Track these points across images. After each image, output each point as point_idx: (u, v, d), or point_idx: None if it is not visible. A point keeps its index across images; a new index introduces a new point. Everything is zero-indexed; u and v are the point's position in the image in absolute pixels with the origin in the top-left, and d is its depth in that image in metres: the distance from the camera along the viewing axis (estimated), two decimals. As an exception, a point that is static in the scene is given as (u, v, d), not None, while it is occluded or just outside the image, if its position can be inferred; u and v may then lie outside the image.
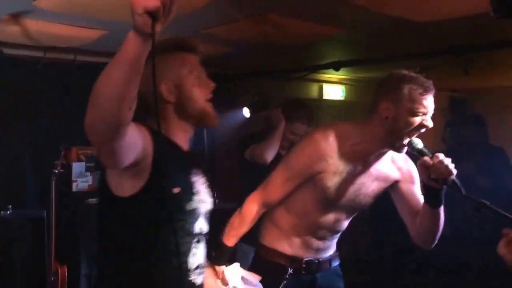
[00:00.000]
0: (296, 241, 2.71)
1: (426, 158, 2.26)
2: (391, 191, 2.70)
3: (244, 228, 2.62)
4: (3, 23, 3.64)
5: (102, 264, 1.91)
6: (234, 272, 2.45)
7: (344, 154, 2.52)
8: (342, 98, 6.85)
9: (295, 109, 3.97)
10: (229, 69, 5.51)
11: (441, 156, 2.22)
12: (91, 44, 4.21)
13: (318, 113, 6.48)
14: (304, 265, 2.69)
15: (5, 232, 3.83)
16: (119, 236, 1.81)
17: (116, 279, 1.84)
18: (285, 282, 2.62)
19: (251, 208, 2.63)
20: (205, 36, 4.09)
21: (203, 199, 1.95)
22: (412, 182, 2.64)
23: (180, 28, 3.91)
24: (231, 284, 2.39)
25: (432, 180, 2.24)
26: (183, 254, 1.86)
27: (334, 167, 2.52)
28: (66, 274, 3.80)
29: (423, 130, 2.38)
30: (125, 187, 1.74)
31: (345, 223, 2.79)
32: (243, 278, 2.44)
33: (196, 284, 1.93)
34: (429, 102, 2.34)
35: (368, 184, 2.62)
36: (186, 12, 3.38)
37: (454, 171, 2.21)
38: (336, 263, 2.88)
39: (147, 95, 1.65)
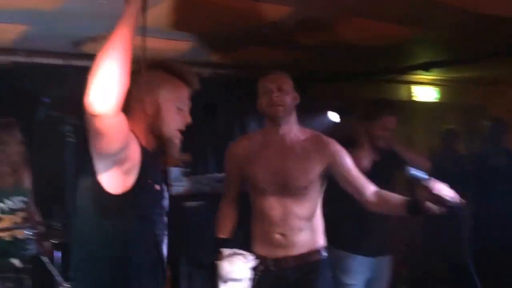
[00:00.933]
0: (263, 240, 2.86)
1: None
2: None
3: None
4: (103, 39, 3.93)
5: (84, 252, 1.96)
6: None
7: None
8: (436, 100, 6.68)
9: (379, 104, 3.90)
10: (314, 73, 5.57)
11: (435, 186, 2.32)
12: (180, 55, 4.45)
13: (407, 115, 6.41)
14: (272, 262, 2.81)
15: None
16: (105, 228, 1.90)
17: (98, 271, 1.93)
18: (257, 277, 2.77)
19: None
20: (290, 43, 4.21)
21: (167, 196, 2.23)
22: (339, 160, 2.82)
23: (263, 36, 4.08)
24: None
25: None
26: (160, 244, 2.08)
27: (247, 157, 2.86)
28: (168, 273, 4.01)
29: None
30: (117, 184, 1.86)
31: (300, 218, 2.83)
32: None
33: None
34: None
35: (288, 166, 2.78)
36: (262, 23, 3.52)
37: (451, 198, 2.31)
38: (314, 258, 2.86)
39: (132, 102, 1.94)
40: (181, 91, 2.11)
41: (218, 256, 2.67)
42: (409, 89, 6.53)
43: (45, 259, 3.31)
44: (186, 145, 4.84)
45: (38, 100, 3.34)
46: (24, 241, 3.51)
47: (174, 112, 2.08)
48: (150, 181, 1.97)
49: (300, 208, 2.80)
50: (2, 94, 4.16)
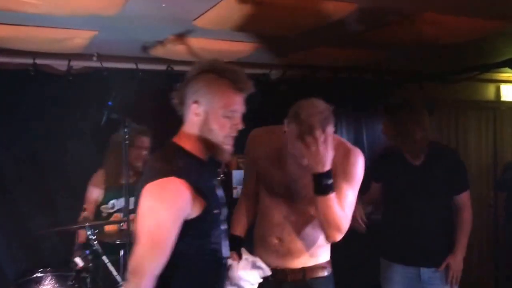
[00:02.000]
0: (261, 244, 2.71)
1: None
2: None
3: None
4: (170, 43, 4.00)
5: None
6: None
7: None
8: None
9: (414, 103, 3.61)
10: (389, 74, 5.36)
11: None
12: (250, 57, 4.41)
13: (495, 116, 6.04)
14: (271, 272, 2.58)
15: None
16: (183, 246, 1.97)
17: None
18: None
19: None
20: (359, 42, 4.05)
21: (224, 203, 2.19)
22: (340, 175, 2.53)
23: (330, 36, 3.96)
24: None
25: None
26: (226, 253, 2.15)
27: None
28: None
29: None
30: (193, 211, 1.96)
31: (302, 226, 2.63)
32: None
33: None
34: None
35: (303, 174, 2.51)
36: (327, 23, 3.40)
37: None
38: (315, 275, 2.66)
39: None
40: (231, 96, 2.06)
41: (231, 255, 2.49)
42: (498, 89, 6.11)
43: (105, 259, 3.37)
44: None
45: (104, 104, 3.42)
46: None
47: (222, 118, 2.04)
48: (211, 208, 2.02)
49: (304, 216, 2.63)
50: (75, 98, 4.31)
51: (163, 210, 1.89)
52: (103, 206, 3.94)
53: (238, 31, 3.67)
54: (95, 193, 4.01)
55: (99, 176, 4.00)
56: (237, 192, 4.18)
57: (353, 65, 4.97)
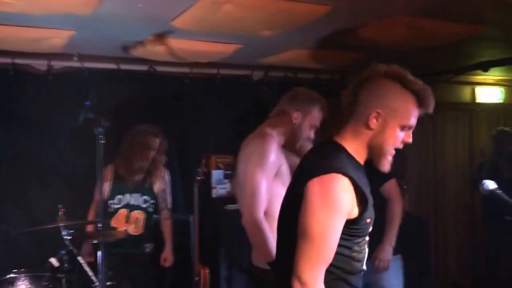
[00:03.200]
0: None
1: None
2: None
3: None
4: (150, 44, 4.02)
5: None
6: None
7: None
8: (501, 101, 6.36)
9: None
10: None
11: None
12: (230, 58, 4.45)
13: (471, 117, 6.15)
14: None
15: (155, 233, 4.17)
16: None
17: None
18: None
19: None
20: (337, 44, 4.10)
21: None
22: None
23: (309, 37, 4.01)
24: None
25: None
26: (363, 266, 2.04)
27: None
28: (208, 276, 4.03)
29: None
30: (353, 212, 1.89)
31: None
32: None
33: None
34: None
35: None
36: (306, 23, 3.45)
37: None
38: None
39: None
40: (411, 109, 1.93)
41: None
42: (473, 91, 6.22)
43: (81, 259, 3.38)
44: (230, 146, 4.88)
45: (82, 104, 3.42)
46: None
47: (398, 132, 1.95)
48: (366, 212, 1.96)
49: None
50: (55, 98, 4.32)
51: (331, 208, 1.81)
52: (110, 201, 3.99)
53: (217, 32, 3.70)
54: (104, 187, 4.03)
55: (108, 170, 4.01)
56: (216, 191, 4.22)
57: (334, 67, 5.03)
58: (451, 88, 5.96)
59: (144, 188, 4.03)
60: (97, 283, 3.33)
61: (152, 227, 4.07)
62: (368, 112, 1.92)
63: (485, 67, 4.61)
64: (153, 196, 4.06)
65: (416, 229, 4.75)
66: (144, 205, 4.03)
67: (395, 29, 3.68)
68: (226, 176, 4.25)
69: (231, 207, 4.19)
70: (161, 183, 4.07)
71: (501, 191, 2.25)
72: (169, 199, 4.12)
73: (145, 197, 4.03)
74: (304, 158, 2.07)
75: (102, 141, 3.17)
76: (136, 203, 4.01)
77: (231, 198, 4.22)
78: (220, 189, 4.24)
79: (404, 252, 3.67)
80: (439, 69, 5.13)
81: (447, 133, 6.11)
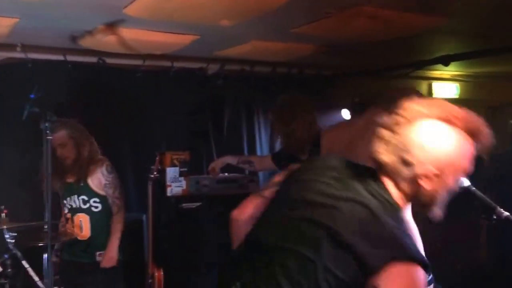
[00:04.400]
0: None
1: None
2: None
3: None
4: (100, 33, 3.79)
5: None
6: None
7: None
8: (456, 96, 6.40)
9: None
10: (327, 69, 5.34)
11: None
12: (185, 50, 4.27)
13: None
14: None
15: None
16: None
17: None
18: None
19: None
20: (298, 36, 3.99)
21: None
22: None
23: (268, 28, 3.89)
24: None
25: None
26: None
27: None
28: (162, 277, 3.85)
29: None
30: None
31: None
32: None
33: None
34: None
35: None
36: (270, 11, 3.30)
37: None
38: None
39: None
40: (469, 157, 1.65)
41: None
42: (430, 86, 6.24)
43: (25, 263, 3.16)
44: (185, 143, 4.70)
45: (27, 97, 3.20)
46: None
47: (454, 184, 1.67)
48: None
49: None
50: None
51: None
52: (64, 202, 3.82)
53: (173, 22, 3.51)
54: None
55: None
56: (171, 190, 4.03)
57: (292, 60, 4.91)
58: (408, 83, 5.92)
59: (80, 187, 3.78)
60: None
61: (105, 230, 3.82)
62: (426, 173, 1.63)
63: (446, 61, 4.57)
64: (93, 194, 3.79)
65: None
66: (84, 206, 3.78)
67: (358, 20, 3.55)
68: (181, 174, 4.06)
69: (187, 205, 4.02)
70: (98, 177, 3.79)
71: (474, 188, 2.17)
72: (116, 193, 3.83)
73: (83, 197, 3.78)
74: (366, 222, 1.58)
75: (49, 137, 2.94)
76: (75, 205, 3.78)
77: (186, 196, 4.06)
78: (175, 187, 4.05)
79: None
80: (398, 62, 5.07)
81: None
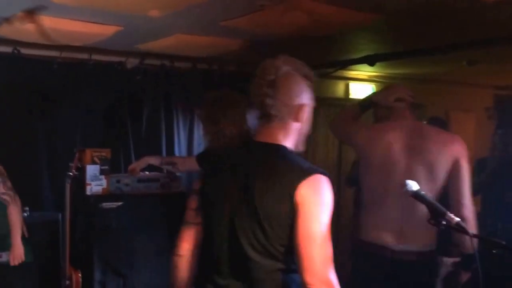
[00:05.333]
0: None
1: None
2: None
3: None
4: (18, 21, 3.54)
5: None
6: None
7: None
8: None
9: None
10: (248, 66, 5.31)
11: None
12: (106, 42, 4.10)
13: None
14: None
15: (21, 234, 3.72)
16: None
17: None
18: None
19: None
20: (227, 29, 3.92)
21: None
22: None
23: (196, 21, 3.80)
24: None
25: None
26: None
27: None
28: (80, 279, 3.68)
29: None
30: None
31: None
32: None
33: None
34: None
35: None
36: (200, 2, 3.22)
37: None
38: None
39: None
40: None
41: None
42: (347, 86, 6.36)
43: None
44: (102, 139, 4.50)
45: None
46: None
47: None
48: None
49: None
50: None
51: (329, 208, 1.85)
52: None
53: (97, 10, 3.35)
54: None
55: None
56: (90, 188, 3.85)
57: (213, 56, 4.83)
58: (325, 83, 6.02)
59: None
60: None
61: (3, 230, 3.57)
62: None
63: (371, 61, 4.64)
64: None
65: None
66: None
67: (293, 14, 3.45)
68: (102, 172, 3.89)
69: (107, 205, 3.85)
70: None
71: (423, 192, 2.24)
72: (1, 188, 3.54)
73: None
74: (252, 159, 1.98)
75: None
76: None
77: (107, 196, 3.89)
78: (95, 186, 3.86)
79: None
80: (321, 61, 5.10)
81: (319, 129, 6.10)
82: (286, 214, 1.82)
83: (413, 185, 2.25)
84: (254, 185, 1.88)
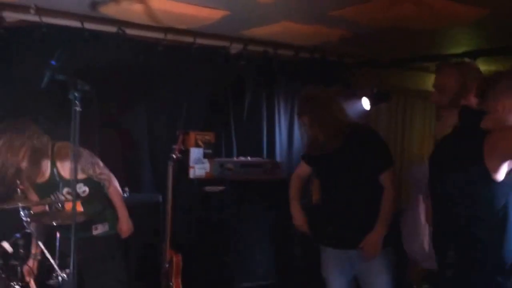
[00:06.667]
0: None
1: None
2: None
3: None
4: (126, 1, 3.54)
5: None
6: None
7: None
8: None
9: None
10: (349, 57, 5.19)
11: None
12: (211, 26, 4.06)
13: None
14: None
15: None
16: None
17: None
18: None
19: None
20: (333, 19, 3.82)
21: None
22: None
23: (303, 10, 3.71)
24: None
25: None
26: None
27: None
28: (181, 263, 3.66)
29: None
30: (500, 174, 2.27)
31: None
32: None
33: None
34: None
35: None
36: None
37: None
38: None
39: None
40: None
41: None
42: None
43: (41, 244, 2.92)
44: (204, 123, 4.46)
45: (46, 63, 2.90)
46: None
47: None
48: None
49: None
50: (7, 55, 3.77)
51: None
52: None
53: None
54: None
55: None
56: (194, 171, 3.82)
57: (316, 45, 4.75)
58: (422, 75, 5.83)
59: (56, 183, 3.33)
60: (58, 272, 2.89)
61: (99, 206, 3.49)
62: None
63: (474, 56, 4.46)
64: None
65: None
66: (70, 197, 3.34)
67: (402, 5, 3.43)
68: (205, 156, 3.85)
69: (210, 189, 3.81)
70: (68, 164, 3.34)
71: None
72: (96, 170, 3.40)
73: (66, 189, 3.37)
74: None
75: (79, 109, 2.61)
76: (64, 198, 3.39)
77: (210, 179, 3.85)
78: (198, 169, 3.84)
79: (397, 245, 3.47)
80: (421, 54, 4.95)
81: (415, 121, 6.03)
82: None
83: None
84: None
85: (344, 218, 3.18)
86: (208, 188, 3.81)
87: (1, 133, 3.09)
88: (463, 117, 2.52)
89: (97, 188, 3.49)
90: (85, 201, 3.43)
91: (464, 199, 2.41)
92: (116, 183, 3.53)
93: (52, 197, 3.31)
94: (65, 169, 3.31)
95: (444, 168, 2.53)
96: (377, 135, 3.30)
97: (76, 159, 2.63)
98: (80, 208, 3.39)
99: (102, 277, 3.33)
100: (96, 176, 3.46)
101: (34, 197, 3.35)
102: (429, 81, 5.88)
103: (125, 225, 3.46)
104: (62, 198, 3.31)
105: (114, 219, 3.51)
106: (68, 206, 3.35)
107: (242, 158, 4.10)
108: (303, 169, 3.43)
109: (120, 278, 3.38)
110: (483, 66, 5.76)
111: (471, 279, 2.44)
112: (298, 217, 3.31)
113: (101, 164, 3.53)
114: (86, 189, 3.45)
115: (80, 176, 3.41)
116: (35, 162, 3.18)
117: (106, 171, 3.51)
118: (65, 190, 3.36)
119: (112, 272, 3.40)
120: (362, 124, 3.50)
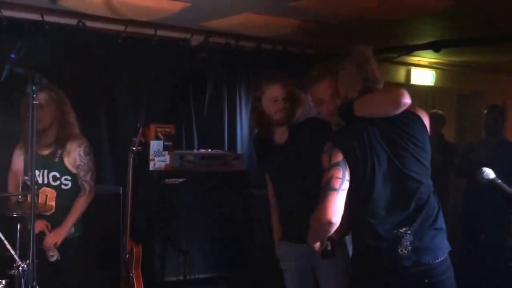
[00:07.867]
0: None
1: None
2: None
3: None
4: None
5: None
6: None
7: None
8: (432, 84, 6.42)
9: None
10: (311, 48, 5.22)
11: None
12: (171, 18, 4.07)
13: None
14: None
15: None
16: None
17: None
18: None
19: None
20: (295, 10, 3.85)
21: None
22: None
23: (267, 2, 3.74)
24: None
25: None
26: None
27: None
28: (141, 254, 3.69)
29: None
30: None
31: None
32: None
33: None
34: None
35: None
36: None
37: None
38: None
39: None
40: None
41: None
42: (408, 72, 6.23)
43: (1, 235, 2.92)
44: (164, 115, 4.48)
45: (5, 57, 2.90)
46: None
47: None
48: None
49: None
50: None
51: None
52: (26, 178, 3.38)
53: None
54: (18, 163, 3.55)
55: (20, 143, 3.51)
56: (154, 164, 3.85)
57: (277, 36, 4.77)
58: (387, 67, 5.91)
59: (53, 163, 3.46)
60: (19, 262, 2.90)
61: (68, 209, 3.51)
62: None
63: (438, 47, 4.52)
64: (66, 171, 3.48)
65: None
66: (54, 183, 3.47)
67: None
68: (165, 148, 3.87)
69: (170, 181, 3.84)
70: (74, 157, 3.48)
71: (500, 180, 2.11)
72: (87, 176, 3.52)
73: (54, 173, 3.47)
74: None
75: (36, 102, 2.66)
76: (42, 181, 3.46)
77: (170, 172, 3.88)
78: (158, 162, 3.86)
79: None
80: (384, 46, 4.99)
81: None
82: None
83: (490, 173, 2.14)
84: None
85: (295, 214, 3.14)
86: (168, 181, 3.84)
87: None
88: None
89: (74, 189, 3.52)
90: (61, 195, 3.47)
91: None
92: (89, 199, 3.55)
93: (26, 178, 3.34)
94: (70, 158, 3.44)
95: None
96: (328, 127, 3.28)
97: (33, 151, 2.67)
98: (53, 200, 3.45)
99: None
100: (82, 180, 3.50)
101: None
102: (393, 73, 6.04)
103: (62, 232, 3.45)
104: (43, 180, 3.39)
105: (79, 222, 3.55)
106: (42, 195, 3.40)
107: (202, 151, 4.13)
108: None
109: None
110: (448, 57, 5.93)
111: None
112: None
113: (94, 176, 3.57)
114: (69, 184, 3.49)
115: (72, 169, 3.47)
116: None
117: (93, 183, 3.54)
118: (53, 173, 3.44)
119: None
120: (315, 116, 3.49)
